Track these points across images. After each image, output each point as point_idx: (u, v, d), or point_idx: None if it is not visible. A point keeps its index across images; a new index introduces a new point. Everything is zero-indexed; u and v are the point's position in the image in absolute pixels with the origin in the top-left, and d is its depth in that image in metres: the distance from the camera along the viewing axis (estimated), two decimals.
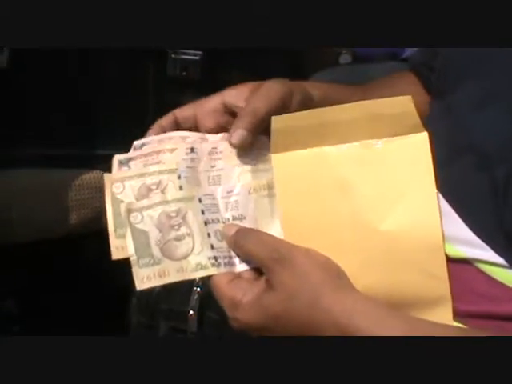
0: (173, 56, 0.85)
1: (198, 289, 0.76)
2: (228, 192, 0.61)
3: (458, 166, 0.57)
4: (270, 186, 0.61)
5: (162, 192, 0.60)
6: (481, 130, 0.56)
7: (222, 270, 0.57)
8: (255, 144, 0.62)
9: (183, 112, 0.66)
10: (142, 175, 0.61)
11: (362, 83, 1.25)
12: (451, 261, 0.56)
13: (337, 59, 1.55)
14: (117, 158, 0.63)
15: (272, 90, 0.62)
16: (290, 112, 0.60)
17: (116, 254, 0.58)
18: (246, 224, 0.60)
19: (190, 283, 0.73)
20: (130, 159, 0.62)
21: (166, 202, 0.59)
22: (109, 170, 0.63)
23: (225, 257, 0.58)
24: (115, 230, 0.59)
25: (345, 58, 1.56)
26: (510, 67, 0.56)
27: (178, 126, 0.66)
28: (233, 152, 0.62)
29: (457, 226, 0.56)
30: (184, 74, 0.86)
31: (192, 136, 0.64)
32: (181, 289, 0.76)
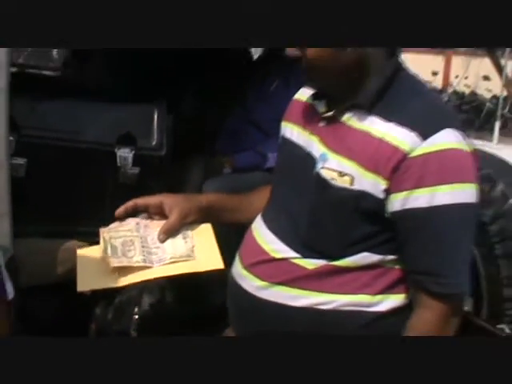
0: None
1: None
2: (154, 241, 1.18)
3: None
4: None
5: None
6: None
7: (148, 264, 1.12)
8: None
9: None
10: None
11: (237, 188, 1.82)
12: None
13: (221, 170, 2.13)
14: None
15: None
16: None
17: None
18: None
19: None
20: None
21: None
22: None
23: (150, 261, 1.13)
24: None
25: (227, 169, 2.14)
26: None
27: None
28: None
29: None
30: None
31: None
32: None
